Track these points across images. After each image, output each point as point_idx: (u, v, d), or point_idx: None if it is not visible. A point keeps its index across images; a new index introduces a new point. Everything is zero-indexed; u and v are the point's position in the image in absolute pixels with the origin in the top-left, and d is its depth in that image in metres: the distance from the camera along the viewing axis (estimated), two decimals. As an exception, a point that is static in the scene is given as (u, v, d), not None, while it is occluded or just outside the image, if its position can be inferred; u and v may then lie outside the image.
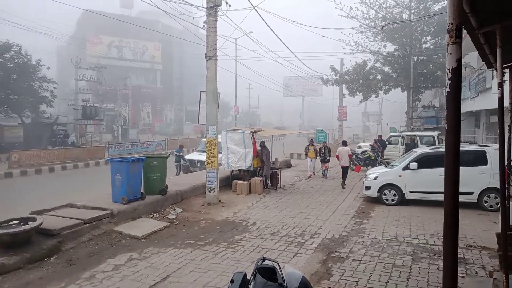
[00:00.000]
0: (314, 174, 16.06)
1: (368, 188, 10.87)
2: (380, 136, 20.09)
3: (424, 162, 10.29)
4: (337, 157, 13.80)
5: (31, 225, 6.04)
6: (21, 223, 6.09)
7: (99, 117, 34.04)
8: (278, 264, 2.36)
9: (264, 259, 2.39)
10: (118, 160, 8.87)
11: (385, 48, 29.15)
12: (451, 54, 1.64)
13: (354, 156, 18.21)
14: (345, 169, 13.60)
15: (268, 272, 2.25)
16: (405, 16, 28.49)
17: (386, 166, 12.10)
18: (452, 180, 1.64)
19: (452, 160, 1.64)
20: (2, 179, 16.74)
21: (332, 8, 27.13)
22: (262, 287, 2.20)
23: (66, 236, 6.67)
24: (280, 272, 2.32)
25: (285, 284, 2.24)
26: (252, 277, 2.32)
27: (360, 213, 9.45)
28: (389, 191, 10.49)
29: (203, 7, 10.78)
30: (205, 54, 10.82)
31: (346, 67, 31.41)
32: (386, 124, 44.50)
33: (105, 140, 34.62)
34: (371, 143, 19.34)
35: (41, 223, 6.21)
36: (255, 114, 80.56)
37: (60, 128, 29.81)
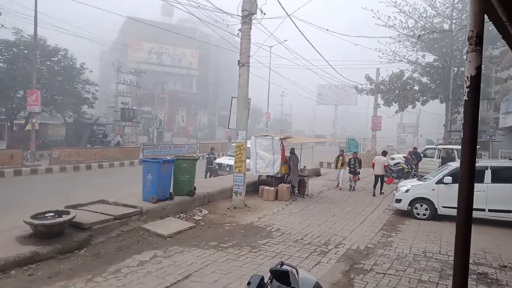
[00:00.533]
0: (339, 186, 15.00)
1: (398, 200, 10.54)
2: (415, 148, 19.42)
3: (460, 176, 9.84)
4: (372, 165, 14.30)
5: (64, 218, 6.38)
6: (56, 216, 6.44)
7: (137, 119, 35.40)
8: (296, 269, 2.35)
9: (282, 264, 2.37)
10: (150, 160, 9.19)
11: (424, 58, 28.31)
12: (470, 61, 1.61)
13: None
14: (377, 178, 14.06)
15: (282, 276, 2.25)
16: (445, 26, 27.51)
17: (419, 179, 11.69)
18: (466, 188, 1.60)
19: (467, 172, 1.60)
20: (43, 174, 17.76)
21: (369, 18, 26.66)
22: None
23: (96, 230, 6.97)
24: (296, 277, 2.31)
25: None
26: (269, 281, 2.33)
27: (388, 226, 9.17)
28: (421, 205, 10.11)
29: (238, 15, 11.02)
30: (238, 61, 11.02)
31: (382, 77, 30.71)
32: (420, 135, 42.84)
33: (141, 142, 35.87)
34: (405, 155, 18.74)
35: (74, 216, 6.54)
36: (287, 122, 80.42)
37: (100, 129, 31.29)
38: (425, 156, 18.69)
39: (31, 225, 6.11)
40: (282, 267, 2.30)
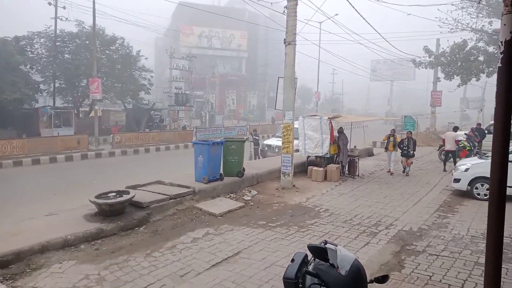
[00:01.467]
0: (390, 171, 13.26)
1: (457, 180, 9.94)
2: (479, 124, 17.99)
3: (529, 153, 9.02)
4: (443, 141, 14.64)
5: (125, 197, 6.92)
6: (118, 196, 7.01)
7: (190, 103, 36.64)
8: (336, 247, 2.36)
9: (326, 242, 2.39)
10: (201, 142, 9.55)
11: (491, 25, 25.64)
12: (505, 24, 1.48)
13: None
14: (447, 154, 14.13)
15: (319, 252, 2.28)
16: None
17: (480, 157, 10.89)
18: (499, 161, 1.51)
19: (500, 142, 1.50)
20: (106, 158, 19.27)
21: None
22: (313, 267, 2.26)
23: (154, 209, 7.48)
24: (335, 254, 2.32)
25: (336, 265, 2.24)
26: (313, 258, 2.38)
27: (445, 207, 8.73)
28: (482, 185, 9.45)
29: (284, -9, 10.80)
30: (284, 39, 10.88)
31: (443, 48, 28.43)
32: (480, 110, 39.22)
33: (194, 125, 37.20)
34: (466, 132, 17.45)
35: (133, 196, 7.06)
36: (339, 101, 78.12)
37: (156, 114, 32.93)
38: (489, 132, 17.22)
39: (96, 204, 6.73)
40: (322, 245, 2.31)
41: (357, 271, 2.19)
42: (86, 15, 25.53)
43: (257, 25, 51.58)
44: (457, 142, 14.28)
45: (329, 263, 2.22)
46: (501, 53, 1.48)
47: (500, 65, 1.50)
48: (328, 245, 2.31)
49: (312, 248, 2.30)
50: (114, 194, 7.06)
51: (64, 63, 26.31)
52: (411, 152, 12.92)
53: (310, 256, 2.39)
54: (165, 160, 18.76)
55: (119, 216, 6.81)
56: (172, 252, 5.83)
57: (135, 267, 5.26)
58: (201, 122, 41.02)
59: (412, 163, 13.36)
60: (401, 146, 13.09)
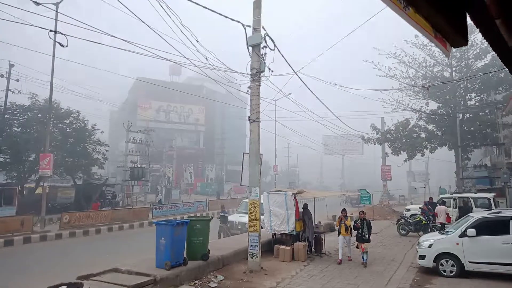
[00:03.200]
0: (350, 259, 11.35)
1: (422, 257, 10.01)
2: (431, 198, 18.96)
3: (483, 228, 9.42)
4: (436, 214, 15.25)
5: (78, 291, 6.09)
6: (69, 289, 6.16)
7: (145, 178, 35.41)
8: None
9: None
10: (164, 223, 8.93)
11: (428, 106, 28.70)
12: None
13: (402, 220, 17.24)
14: (442, 226, 14.38)
15: None
16: (446, 74, 28.27)
17: (440, 233, 11.22)
18: None
19: None
20: (52, 240, 17.38)
21: (369, 68, 27.68)
22: None
23: (110, 303, 6.62)
24: None
25: None
26: None
27: (415, 286, 8.63)
28: (446, 261, 9.57)
29: (247, 73, 11.37)
30: (249, 117, 11.16)
31: (388, 126, 31.00)
32: (424, 185, 41.75)
33: (150, 201, 35.60)
34: (421, 206, 18.25)
35: (88, 290, 6.24)
36: (295, 173, 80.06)
37: (109, 189, 31.22)
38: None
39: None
40: None
41: None
42: (41, 87, 25.05)
43: (215, 100, 53.54)
44: (448, 216, 15.04)
45: None
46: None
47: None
48: None
49: None
50: (65, 287, 6.19)
51: (12, 137, 24.89)
52: (366, 235, 10.78)
53: None
54: (119, 242, 17.33)
55: (70, 316, 5.91)
56: None
57: None
58: (156, 197, 39.42)
59: (367, 249, 10.76)
60: (355, 228, 11.13)
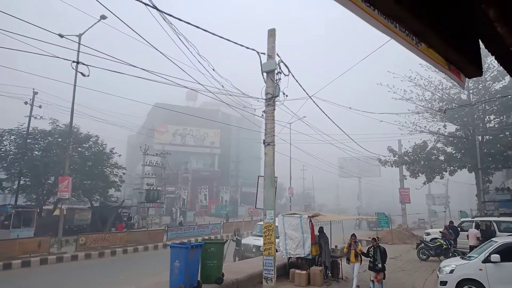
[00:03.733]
0: None
1: (444, 283, 9.62)
2: (452, 222, 18.36)
3: (508, 253, 9.06)
4: (467, 237, 14.92)
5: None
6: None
7: (161, 200, 35.65)
8: None
9: None
10: (178, 246, 8.93)
11: (446, 128, 28.23)
12: None
13: (422, 244, 16.72)
14: (473, 248, 13.12)
15: None
16: (463, 97, 27.92)
17: (462, 258, 10.82)
18: None
19: None
20: (68, 262, 17.50)
21: (385, 91, 27.70)
22: None
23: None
24: None
25: None
26: None
27: (437, 314, 8.26)
28: (470, 288, 9.20)
29: (262, 98, 11.55)
30: (263, 140, 11.28)
31: (405, 148, 30.53)
32: (444, 208, 40.51)
33: (164, 222, 35.63)
34: (441, 230, 17.69)
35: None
36: (310, 196, 79.08)
37: (125, 211, 31.50)
38: (462, 230, 17.59)
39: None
40: None
41: None
42: (62, 113, 25.94)
43: (230, 125, 54.14)
44: (479, 239, 14.43)
45: None
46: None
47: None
48: None
49: None
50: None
51: (32, 160, 25.64)
52: (379, 265, 9.38)
53: None
54: (133, 264, 17.31)
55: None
56: None
57: None
58: (171, 219, 39.46)
59: (384, 278, 9.53)
60: (368, 255, 9.74)
